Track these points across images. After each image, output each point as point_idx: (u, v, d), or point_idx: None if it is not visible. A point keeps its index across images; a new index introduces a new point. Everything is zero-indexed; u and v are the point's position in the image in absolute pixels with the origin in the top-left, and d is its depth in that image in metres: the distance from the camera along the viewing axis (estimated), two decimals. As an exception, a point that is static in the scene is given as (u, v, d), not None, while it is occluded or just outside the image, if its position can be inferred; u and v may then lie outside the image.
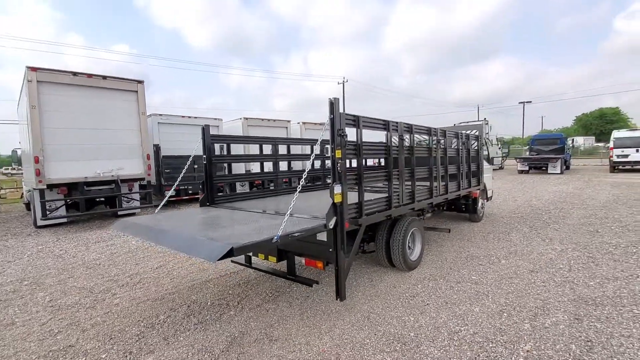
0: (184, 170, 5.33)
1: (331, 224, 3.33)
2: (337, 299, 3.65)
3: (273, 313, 3.79)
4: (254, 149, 7.89)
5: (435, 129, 5.21)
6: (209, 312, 3.89)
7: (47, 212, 8.82)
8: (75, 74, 8.86)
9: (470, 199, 7.54)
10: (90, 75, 9.11)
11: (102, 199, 10.27)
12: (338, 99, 3.36)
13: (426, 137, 5.36)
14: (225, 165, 6.84)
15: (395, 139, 4.26)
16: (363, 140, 3.79)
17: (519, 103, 49.07)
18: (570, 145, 24.49)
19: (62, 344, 3.29)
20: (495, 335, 3.14)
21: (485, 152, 8.71)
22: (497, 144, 25.07)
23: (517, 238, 6.48)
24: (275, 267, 5.08)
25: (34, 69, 8.20)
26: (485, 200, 8.47)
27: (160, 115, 12.68)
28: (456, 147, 6.06)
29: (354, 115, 3.58)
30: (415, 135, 4.71)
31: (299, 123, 16.53)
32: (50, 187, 8.72)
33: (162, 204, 4.98)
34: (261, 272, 4.83)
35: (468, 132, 6.85)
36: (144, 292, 4.62)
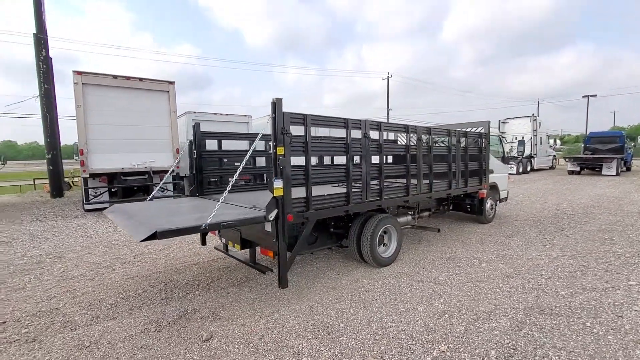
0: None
1: (271, 216, 3.56)
2: (279, 287, 3.87)
3: (231, 296, 4.12)
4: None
5: (414, 126, 5.11)
6: (179, 291, 4.34)
7: (91, 198, 10.16)
8: (115, 76, 10.03)
9: (476, 200, 7.18)
10: (128, 78, 10.24)
11: (137, 187, 11.50)
12: (281, 99, 3.55)
13: (405, 135, 5.28)
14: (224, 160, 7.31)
15: (357, 136, 4.32)
16: (314, 136, 3.91)
17: (583, 97, 43.82)
18: (632, 144, 21.46)
19: (51, 306, 3.95)
20: (421, 334, 3.13)
21: (499, 151, 8.18)
22: (548, 142, 22.86)
23: (516, 242, 6.09)
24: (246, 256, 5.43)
25: (79, 73, 9.46)
26: (497, 202, 7.97)
27: (194, 113, 13.71)
28: (447, 145, 5.85)
29: (302, 114, 3.74)
30: (385, 132, 4.69)
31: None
32: (93, 176, 10.03)
33: (153, 193, 5.58)
34: (238, 260, 5.21)
35: (470, 129, 6.54)
36: (138, 269, 5.24)
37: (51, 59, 15.61)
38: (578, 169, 18.96)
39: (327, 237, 4.93)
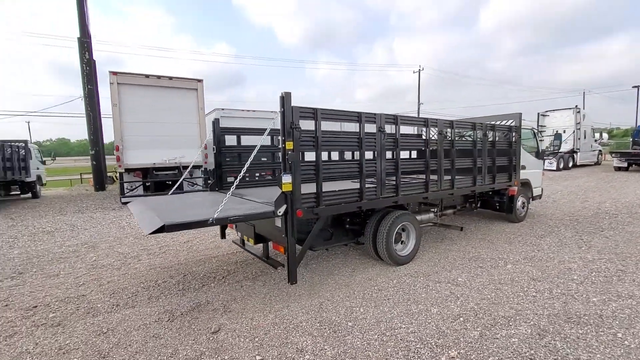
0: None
1: (280, 212, 3.54)
2: (289, 283, 3.85)
3: (244, 289, 4.17)
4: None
5: (434, 119, 4.87)
6: (196, 282, 4.47)
7: (126, 191, 10.75)
8: (147, 76, 10.49)
9: (506, 197, 6.77)
10: (159, 77, 10.68)
11: (170, 182, 12.02)
12: (289, 93, 3.51)
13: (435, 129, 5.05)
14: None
15: (370, 131, 4.18)
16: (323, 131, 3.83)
17: (633, 87, 39.72)
18: None
19: (79, 293, 4.21)
20: (431, 338, 2.99)
21: (531, 146, 7.62)
22: (593, 136, 21.09)
23: (548, 243, 5.67)
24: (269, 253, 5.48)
25: (114, 73, 9.99)
26: (530, 199, 7.47)
27: (222, 109, 14.05)
28: (472, 139, 5.53)
29: (312, 108, 3.67)
30: (402, 126, 4.51)
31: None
32: (128, 170, 10.60)
33: (174, 187, 5.76)
34: (253, 255, 5.28)
35: (499, 122, 6.15)
36: (161, 260, 5.47)
37: (94, 61, 16.64)
38: (625, 165, 17.34)
39: (343, 233, 4.85)
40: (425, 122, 4.79)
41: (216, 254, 5.70)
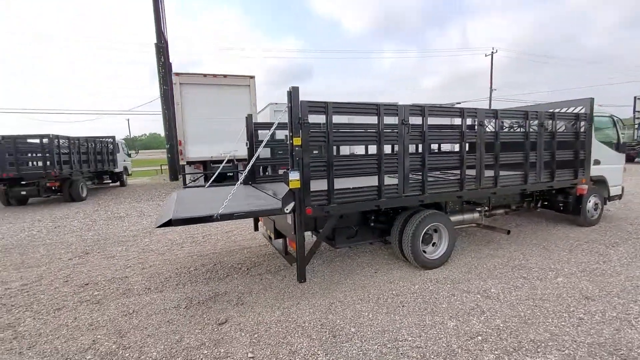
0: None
1: (287, 209, 3.50)
2: (298, 281, 3.81)
3: (263, 282, 4.26)
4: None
5: (473, 109, 4.32)
6: (223, 272, 4.69)
7: (189, 182, 11.77)
8: (205, 75, 11.24)
9: (572, 196, 5.79)
10: (215, 75, 11.36)
11: (231, 174, 12.82)
12: (297, 87, 3.40)
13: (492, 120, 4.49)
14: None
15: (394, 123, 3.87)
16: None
17: None
18: None
19: (124, 274, 4.72)
20: (436, 356, 2.69)
21: (610, 136, 6.33)
22: None
23: (619, 253, 4.71)
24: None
25: (177, 74, 10.90)
26: (606, 200, 6.26)
27: (276, 104, 14.46)
28: (523, 131, 4.79)
29: (322, 102, 3.51)
30: (430, 118, 4.09)
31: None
32: (189, 163, 11.56)
33: (211, 180, 6.09)
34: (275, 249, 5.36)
35: (562, 110, 5.24)
36: (200, 248, 5.87)
37: (170, 64, 18.33)
38: None
39: (369, 231, 4.64)
40: (461, 113, 4.28)
41: (249, 245, 5.92)
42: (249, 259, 5.18)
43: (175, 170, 18.82)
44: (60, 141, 10.92)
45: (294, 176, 3.44)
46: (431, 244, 4.64)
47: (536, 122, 4.86)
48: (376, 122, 3.81)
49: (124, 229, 7.48)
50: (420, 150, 4.17)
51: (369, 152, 5.21)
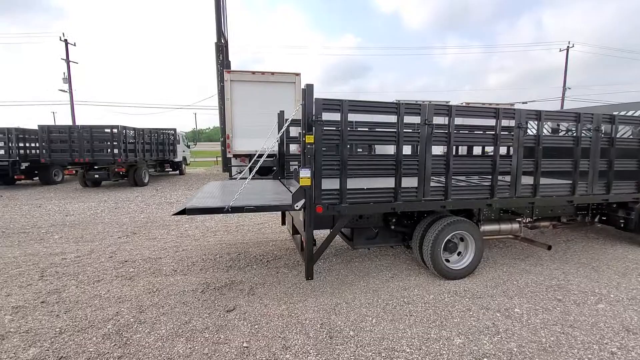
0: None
1: (297, 206, 3.53)
2: (305, 278, 3.82)
3: (279, 276, 4.35)
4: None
5: (511, 110, 3.91)
6: (244, 261, 4.89)
7: (234, 174, 12.41)
8: (254, 72, 11.72)
9: (636, 212, 5.00)
10: (263, 73, 11.78)
11: (275, 168, 13.27)
12: (312, 85, 3.40)
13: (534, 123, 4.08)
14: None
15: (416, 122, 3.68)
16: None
17: None
18: None
19: (158, 255, 5.16)
20: (431, 371, 2.54)
21: None
22: None
23: (695, 286, 3.95)
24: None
25: (228, 72, 11.50)
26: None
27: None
28: (574, 135, 4.23)
29: (337, 100, 3.46)
30: (458, 118, 3.80)
31: None
32: (235, 156, 12.18)
33: (252, 173, 6.32)
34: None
35: (627, 113, 4.53)
36: (231, 237, 6.19)
37: (229, 62, 19.49)
38: None
39: (390, 234, 4.50)
40: (496, 114, 3.91)
41: (276, 239, 6.09)
42: (271, 252, 5.33)
43: (226, 162, 20.06)
44: (128, 131, 12.21)
45: (305, 173, 3.45)
46: (456, 253, 4.35)
47: (590, 126, 4.26)
48: (395, 121, 3.65)
49: (170, 214, 8.14)
50: (445, 152, 3.91)
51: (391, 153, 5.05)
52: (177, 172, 18.44)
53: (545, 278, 4.24)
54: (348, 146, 3.55)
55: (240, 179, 11.67)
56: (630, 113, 5.11)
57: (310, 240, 3.64)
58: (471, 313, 3.39)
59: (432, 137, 3.76)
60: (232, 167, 12.48)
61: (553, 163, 4.23)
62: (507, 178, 4.15)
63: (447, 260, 4.30)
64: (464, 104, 15.02)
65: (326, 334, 3.04)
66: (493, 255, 5.15)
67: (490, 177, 4.06)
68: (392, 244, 4.64)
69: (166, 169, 17.64)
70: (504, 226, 4.84)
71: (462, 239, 4.33)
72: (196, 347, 2.85)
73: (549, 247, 4.59)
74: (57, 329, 3.12)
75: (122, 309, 3.50)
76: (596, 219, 5.54)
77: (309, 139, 3.42)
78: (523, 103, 36.55)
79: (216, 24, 19.38)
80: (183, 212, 3.29)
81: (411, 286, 4.03)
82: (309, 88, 3.39)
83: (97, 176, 12.15)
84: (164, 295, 3.81)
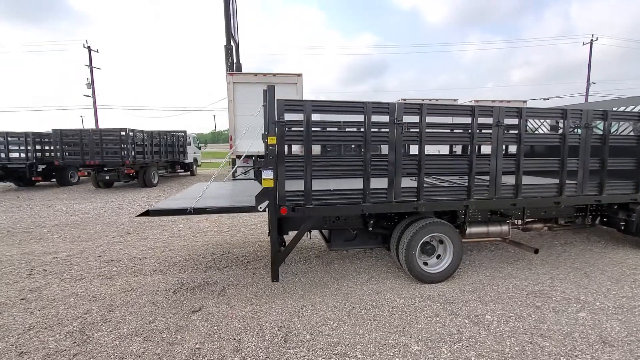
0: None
1: (261, 207, 3.51)
2: (271, 280, 3.78)
3: (255, 277, 4.31)
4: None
5: (488, 107, 3.73)
6: (225, 262, 4.90)
7: (238, 175, 12.55)
8: (255, 74, 11.79)
9: (636, 214, 4.67)
10: (265, 74, 11.84)
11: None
12: (273, 86, 3.37)
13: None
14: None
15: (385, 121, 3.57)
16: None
17: None
18: None
19: (144, 255, 5.25)
20: (377, 378, 2.46)
21: None
22: None
23: (693, 294, 3.64)
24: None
25: (231, 74, 11.63)
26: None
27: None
28: (560, 133, 3.99)
29: (300, 101, 3.41)
30: (430, 117, 3.67)
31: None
32: (238, 157, 12.29)
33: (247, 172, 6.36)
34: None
35: (627, 108, 4.24)
36: (219, 238, 6.24)
37: (240, 64, 19.75)
38: None
39: (370, 236, 4.40)
40: (472, 111, 3.75)
41: (263, 239, 6.09)
42: (255, 253, 5.34)
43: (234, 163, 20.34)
44: (136, 134, 12.59)
45: (268, 175, 3.43)
46: (435, 256, 4.21)
47: (576, 122, 4.01)
48: (362, 120, 3.57)
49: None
50: (416, 152, 3.78)
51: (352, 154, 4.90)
52: (189, 173, 18.85)
53: (529, 283, 4.03)
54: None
55: (242, 179, 11.73)
56: (630, 108, 4.79)
57: (274, 242, 3.61)
58: (438, 319, 3.26)
59: (403, 137, 3.65)
60: (238, 168, 12.62)
61: (537, 162, 4.01)
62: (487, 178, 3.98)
63: (426, 264, 4.17)
64: (472, 102, 14.58)
65: (282, 338, 3.00)
66: (481, 258, 4.96)
67: (467, 177, 3.90)
68: (372, 246, 4.55)
69: (177, 170, 18.06)
70: (493, 228, 4.64)
71: (441, 242, 4.18)
72: (150, 347, 2.88)
73: (536, 251, 4.35)
74: (27, 326, 3.23)
75: (93, 308, 3.58)
76: (597, 221, 5.23)
77: (271, 140, 3.40)
78: (544, 100, 35.06)
79: (225, 26, 19.70)
80: (147, 213, 3.33)
81: (385, 290, 3.92)
82: (271, 89, 3.37)
83: (107, 177, 12.59)
84: (137, 295, 3.88)
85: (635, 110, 4.55)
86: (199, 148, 20.98)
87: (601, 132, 4.16)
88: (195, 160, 19.61)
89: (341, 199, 3.66)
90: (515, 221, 4.97)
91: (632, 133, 4.55)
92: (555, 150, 4.07)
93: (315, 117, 3.53)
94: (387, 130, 3.61)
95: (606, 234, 5.96)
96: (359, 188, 3.65)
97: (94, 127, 25.22)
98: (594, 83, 27.44)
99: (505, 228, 4.67)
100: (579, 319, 3.21)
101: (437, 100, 14.08)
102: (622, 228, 4.85)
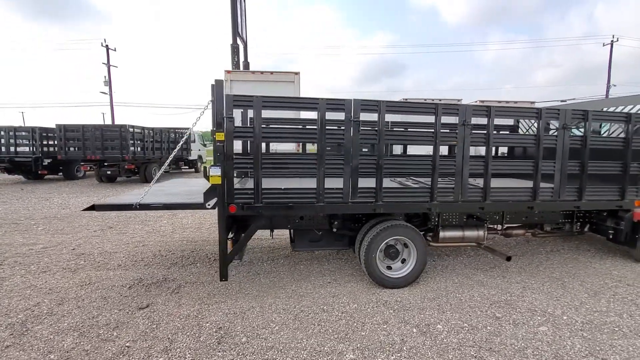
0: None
1: (209, 205, 3.42)
2: (220, 279, 3.70)
3: (215, 276, 4.23)
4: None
5: (453, 105, 3.52)
6: (191, 259, 4.84)
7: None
8: (253, 72, 11.77)
9: (625, 222, 4.35)
10: (262, 72, 11.79)
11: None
12: (221, 81, 3.28)
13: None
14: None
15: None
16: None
17: None
18: None
19: (116, 250, 5.26)
20: (297, 387, 2.32)
21: None
22: None
23: (673, 311, 3.33)
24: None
25: (228, 72, 11.62)
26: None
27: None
28: (534, 134, 3.74)
29: (249, 96, 3.29)
30: (389, 115, 3.49)
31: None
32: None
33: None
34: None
35: (616, 109, 3.94)
36: (197, 235, 6.20)
37: (248, 63, 19.80)
38: None
39: (335, 237, 4.26)
40: (435, 110, 3.55)
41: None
42: (226, 251, 5.27)
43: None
44: (135, 131, 12.78)
45: (215, 172, 3.33)
46: (400, 260, 4.03)
47: (552, 123, 3.75)
48: (317, 118, 3.43)
49: (156, 210, 8.37)
50: (374, 151, 3.62)
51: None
52: (193, 169, 19.06)
53: (498, 292, 3.79)
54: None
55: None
56: (620, 109, 4.45)
57: (223, 241, 3.52)
58: (385, 326, 3.09)
59: (360, 135, 3.49)
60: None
61: (508, 164, 3.77)
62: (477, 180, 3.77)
63: (390, 268, 4.00)
64: (477, 102, 14.13)
65: (216, 339, 2.90)
66: (455, 264, 4.73)
67: (430, 178, 3.70)
68: (338, 247, 4.41)
69: (181, 167, 18.29)
70: (469, 233, 4.41)
71: (406, 245, 4.00)
72: (82, 343, 2.83)
73: (508, 258, 4.11)
74: (-27, 316, 3.26)
75: (45, 300, 3.58)
76: (586, 229, 4.91)
77: (219, 136, 3.30)
78: (561, 102, 33.83)
79: (232, 25, 19.81)
80: (92, 208, 3.30)
81: (342, 293, 3.77)
82: (219, 84, 3.28)
83: (109, 172, 12.84)
84: (92, 289, 3.86)
85: (635, 110, 4.21)
86: (204, 145, 21.19)
87: (581, 134, 3.88)
88: (200, 157, 19.82)
89: (294, 198, 3.53)
90: (495, 226, 4.74)
91: (622, 135, 4.23)
92: (532, 152, 3.82)
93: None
94: (344, 128, 3.46)
95: (598, 242, 5.61)
96: (312, 187, 3.52)
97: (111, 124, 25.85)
98: (614, 85, 26.23)
99: (481, 233, 4.44)
100: (538, 334, 2.98)
101: (440, 100, 13.71)
102: (611, 237, 4.52)
